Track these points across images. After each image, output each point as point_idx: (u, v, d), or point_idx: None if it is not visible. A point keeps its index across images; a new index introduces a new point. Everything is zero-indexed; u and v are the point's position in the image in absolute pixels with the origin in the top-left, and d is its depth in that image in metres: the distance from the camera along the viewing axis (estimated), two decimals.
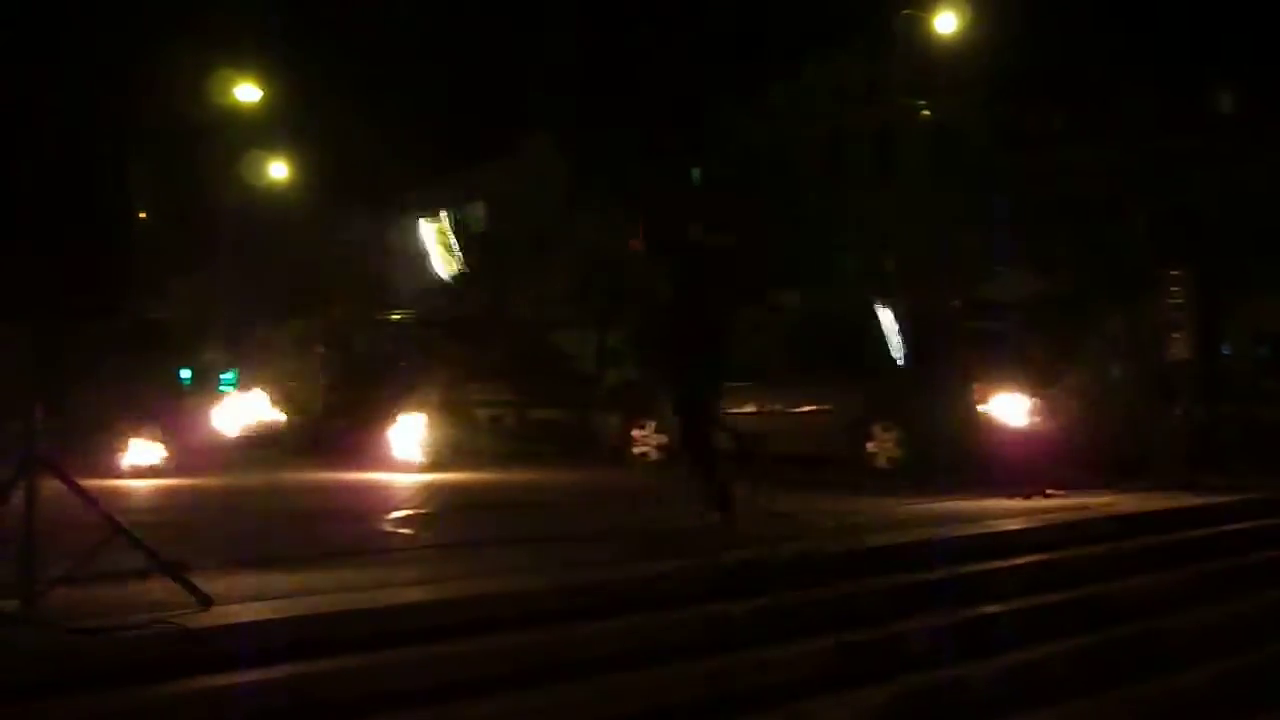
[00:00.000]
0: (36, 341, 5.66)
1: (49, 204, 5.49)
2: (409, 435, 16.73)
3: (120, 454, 14.86)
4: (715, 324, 9.41)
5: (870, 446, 15.46)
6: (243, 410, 18.46)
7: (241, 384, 19.27)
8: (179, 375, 18.14)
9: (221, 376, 19.48)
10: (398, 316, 23.20)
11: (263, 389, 18.84)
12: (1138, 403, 14.82)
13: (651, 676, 5.78)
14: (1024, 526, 9.52)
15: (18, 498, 5.49)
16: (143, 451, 15.03)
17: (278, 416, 18.84)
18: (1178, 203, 35.01)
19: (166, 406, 15.74)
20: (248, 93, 31.69)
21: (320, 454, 17.46)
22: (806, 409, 16.17)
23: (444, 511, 11.59)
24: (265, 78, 31.62)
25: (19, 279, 5.46)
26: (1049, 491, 11.72)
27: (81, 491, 5.62)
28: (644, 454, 17.11)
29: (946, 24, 32.10)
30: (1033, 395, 13.54)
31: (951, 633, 6.87)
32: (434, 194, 42.21)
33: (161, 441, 15.16)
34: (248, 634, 5.30)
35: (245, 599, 5.88)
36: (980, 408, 14.28)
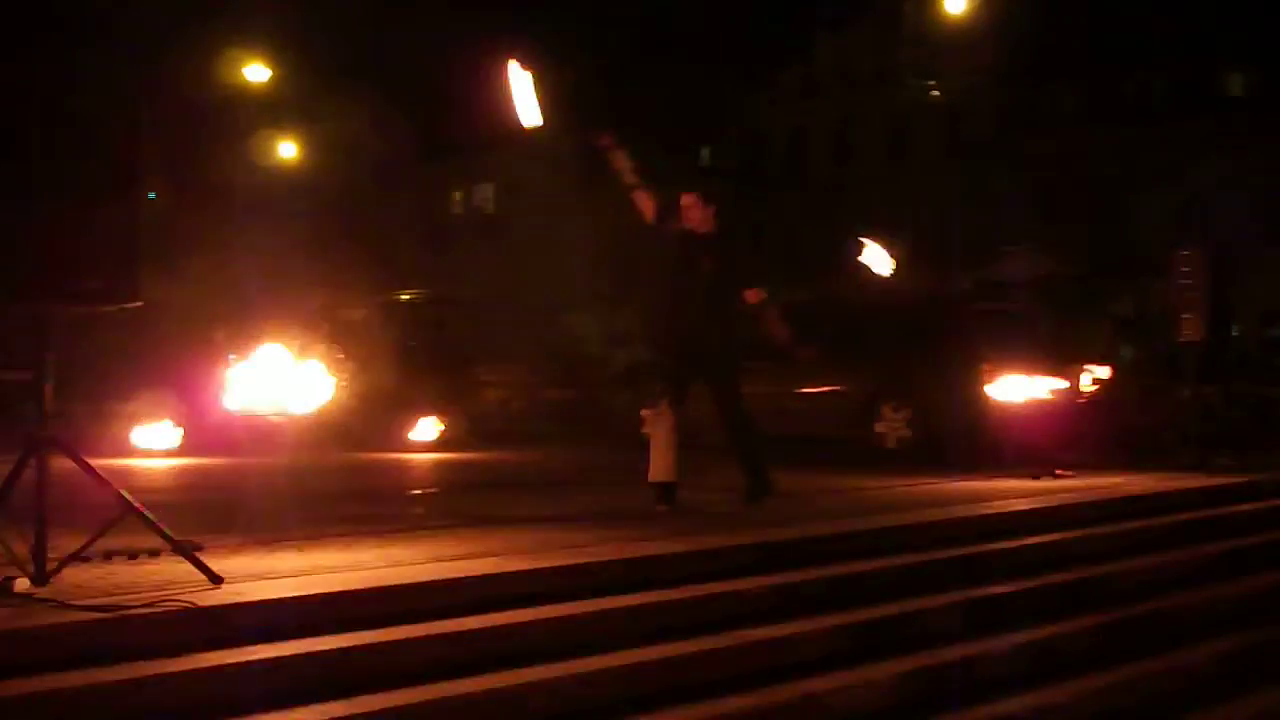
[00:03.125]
0: (45, 324, 5.67)
1: (58, 184, 5.49)
2: (420, 416, 16.74)
3: (133, 432, 14.93)
4: (726, 305, 9.37)
5: (879, 427, 15.43)
6: (258, 391, 18.45)
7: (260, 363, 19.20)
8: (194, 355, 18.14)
9: (229, 357, 19.47)
10: (407, 296, 23.17)
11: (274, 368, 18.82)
12: (1148, 383, 14.82)
13: (668, 653, 5.80)
14: (1033, 507, 9.52)
15: (29, 476, 5.52)
16: (155, 430, 15.09)
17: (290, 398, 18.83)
18: (1188, 184, 34.88)
19: (180, 385, 15.76)
20: (257, 72, 31.68)
21: (332, 435, 17.47)
22: (817, 390, 16.14)
23: (456, 491, 11.61)
24: (275, 57, 31.60)
25: (27, 261, 5.46)
26: (1058, 472, 11.73)
27: (93, 470, 5.64)
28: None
29: (956, 4, 31.98)
30: (1042, 376, 13.52)
31: (959, 613, 6.89)
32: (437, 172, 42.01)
33: (174, 420, 15.21)
34: (258, 612, 5.34)
35: (256, 577, 5.91)
36: (990, 388, 14.27)
